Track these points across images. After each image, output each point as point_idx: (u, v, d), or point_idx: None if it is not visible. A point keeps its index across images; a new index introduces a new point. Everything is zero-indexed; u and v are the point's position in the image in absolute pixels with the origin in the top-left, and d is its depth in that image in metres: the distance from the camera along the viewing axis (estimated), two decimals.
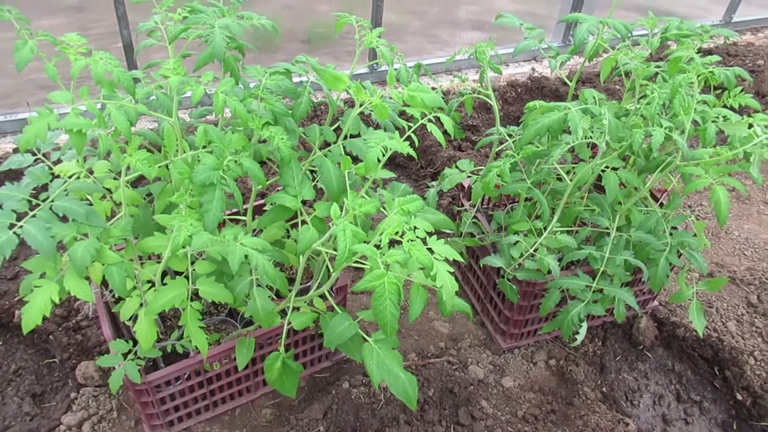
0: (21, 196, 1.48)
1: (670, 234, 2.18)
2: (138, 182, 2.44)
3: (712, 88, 2.16)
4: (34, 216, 1.45)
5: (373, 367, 1.67)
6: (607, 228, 2.15)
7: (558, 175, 2.24)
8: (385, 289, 1.40)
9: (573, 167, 2.17)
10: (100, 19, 3.50)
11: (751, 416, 2.45)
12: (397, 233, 1.46)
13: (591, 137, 1.95)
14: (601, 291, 2.10)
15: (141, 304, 1.71)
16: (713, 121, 1.96)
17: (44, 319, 1.49)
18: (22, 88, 3.48)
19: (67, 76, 1.52)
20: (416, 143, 1.71)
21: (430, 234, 1.58)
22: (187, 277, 1.69)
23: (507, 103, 3.93)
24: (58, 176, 1.63)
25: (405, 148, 1.66)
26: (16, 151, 3.09)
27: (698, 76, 1.92)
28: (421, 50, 4.25)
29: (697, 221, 2.28)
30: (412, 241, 1.45)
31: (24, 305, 1.44)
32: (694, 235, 2.24)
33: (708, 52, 4.67)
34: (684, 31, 2.07)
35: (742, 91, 2.10)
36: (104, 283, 2.00)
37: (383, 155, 1.64)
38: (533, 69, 4.34)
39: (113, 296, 2.04)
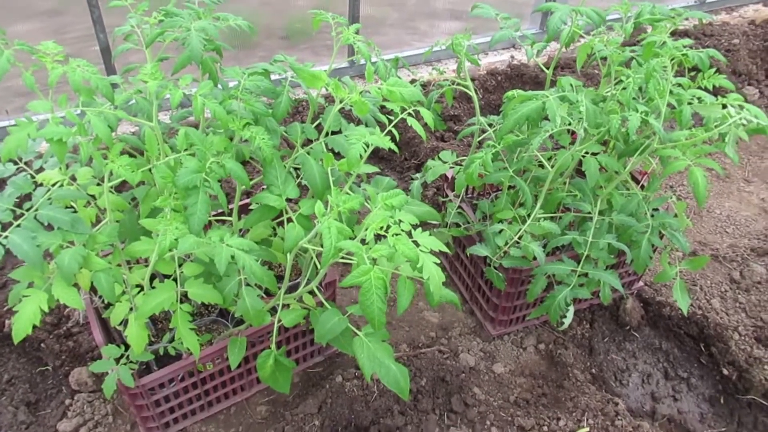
0: (5, 206, 1.49)
1: (652, 216, 2.22)
2: (122, 187, 2.44)
3: (687, 71, 2.19)
4: (18, 226, 1.46)
5: (365, 360, 1.69)
6: (589, 213, 2.18)
7: (539, 162, 2.27)
8: (372, 284, 1.42)
9: (554, 154, 2.20)
10: (75, 23, 3.47)
11: (738, 390, 2.50)
12: (382, 228, 1.48)
13: (570, 124, 1.98)
14: (586, 275, 2.14)
15: (131, 309, 1.72)
16: (689, 104, 1.99)
17: (34, 327, 1.50)
18: (0, 95, 3.45)
19: (45, 84, 1.52)
20: (397, 137, 1.73)
21: (415, 227, 1.60)
22: (175, 280, 1.70)
23: (488, 92, 3.95)
24: (41, 185, 1.63)
25: (386, 143, 1.67)
26: None
27: (672, 60, 1.95)
28: (400, 42, 4.25)
29: (678, 201, 2.32)
30: (397, 235, 1.47)
31: (13, 315, 1.45)
32: (676, 216, 2.28)
33: (684, 33, 4.71)
34: (657, 15, 2.10)
35: (716, 71, 2.13)
36: (93, 289, 2.01)
37: (365, 151, 1.66)
38: (512, 57, 4.36)
39: (103, 302, 2.05)
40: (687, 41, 2.01)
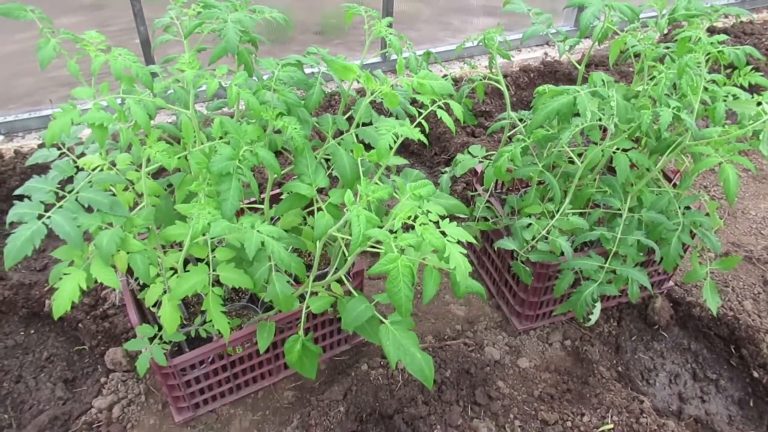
0: (48, 188, 1.55)
1: (683, 214, 2.20)
2: (159, 174, 2.51)
3: (722, 68, 2.17)
4: (61, 207, 1.52)
5: (390, 347, 1.72)
6: (618, 209, 2.17)
7: (569, 158, 2.27)
8: (399, 271, 1.45)
9: (584, 150, 2.20)
10: (117, 16, 3.57)
11: None
12: (409, 217, 1.51)
13: (600, 119, 1.97)
14: (614, 272, 2.13)
15: (164, 291, 1.78)
16: (723, 100, 1.97)
17: (73, 306, 1.56)
18: (44, 85, 3.57)
19: (87, 73, 1.58)
20: (427, 130, 1.75)
21: (443, 218, 1.62)
22: (208, 264, 1.75)
23: (520, 89, 3.94)
24: (82, 169, 1.70)
25: (416, 134, 1.70)
26: (41, 146, 3.18)
27: (706, 56, 1.93)
28: (433, 38, 4.27)
29: (710, 201, 2.29)
30: (424, 224, 1.49)
31: (54, 293, 1.52)
32: (707, 215, 2.25)
33: (722, 32, 4.62)
34: (692, 11, 2.08)
35: (753, 69, 2.11)
36: (129, 271, 2.09)
37: (395, 142, 1.68)
38: (546, 54, 4.34)
39: (138, 284, 2.12)
40: (722, 37, 1.99)
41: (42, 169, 2.77)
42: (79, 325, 2.45)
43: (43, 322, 2.54)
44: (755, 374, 2.50)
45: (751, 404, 2.48)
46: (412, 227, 1.50)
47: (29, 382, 2.34)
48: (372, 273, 1.49)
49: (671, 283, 2.82)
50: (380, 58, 4.06)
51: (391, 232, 1.52)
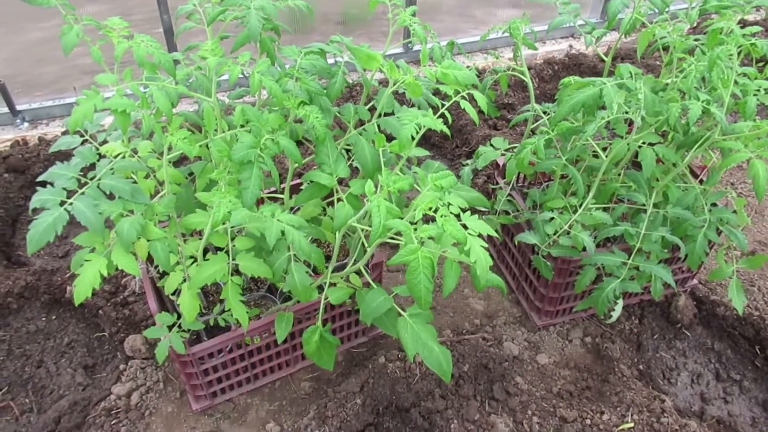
0: (71, 175, 1.56)
1: (709, 210, 2.15)
2: (180, 162, 2.51)
3: (754, 61, 2.11)
4: (83, 194, 1.52)
5: (408, 340, 1.71)
6: (643, 204, 2.13)
7: (594, 152, 2.23)
8: (419, 263, 1.43)
9: (609, 143, 2.15)
10: (141, 5, 3.59)
11: None
12: (430, 209, 1.49)
13: (627, 112, 1.93)
14: (637, 268, 2.09)
15: (184, 279, 1.78)
16: (754, 94, 1.92)
17: (94, 292, 1.57)
18: (68, 73, 3.60)
19: (110, 61, 1.58)
20: (450, 121, 1.73)
21: (464, 210, 1.60)
22: (227, 253, 1.75)
23: (543, 81, 3.88)
24: (104, 156, 1.70)
25: (438, 125, 1.67)
26: (65, 133, 3.21)
27: (738, 48, 1.87)
28: (455, 30, 4.23)
29: (738, 198, 2.24)
30: (445, 216, 1.47)
31: (75, 279, 1.52)
32: (734, 212, 2.20)
33: (755, 24, 4.52)
34: (725, 2, 2.02)
35: None
36: (150, 259, 2.09)
37: (417, 132, 1.66)
38: (570, 46, 4.28)
39: (158, 272, 2.13)
40: (756, 29, 1.94)
41: (65, 156, 2.79)
42: (100, 311, 2.47)
43: (65, 308, 2.56)
44: None
45: None
46: (433, 219, 1.48)
47: (50, 367, 2.36)
48: (392, 264, 1.48)
49: (695, 281, 2.77)
50: (402, 49, 4.03)
51: (411, 223, 1.51)
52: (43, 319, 2.52)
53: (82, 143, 1.78)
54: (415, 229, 1.48)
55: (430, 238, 1.50)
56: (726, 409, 2.42)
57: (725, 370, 2.55)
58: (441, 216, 1.48)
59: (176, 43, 3.35)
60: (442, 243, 1.59)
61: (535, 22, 4.34)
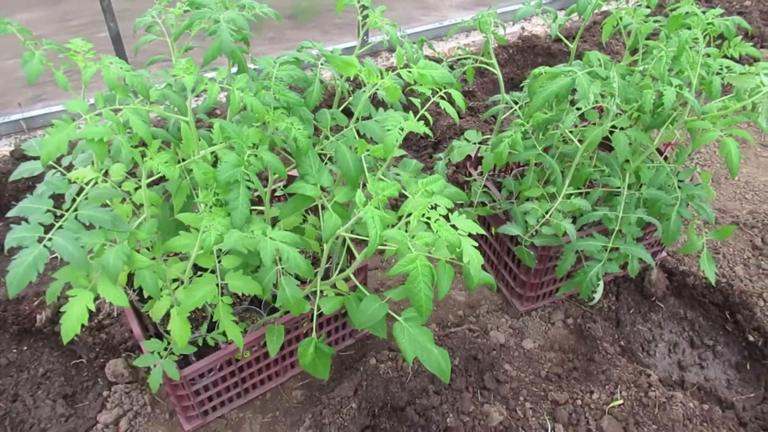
0: (45, 208, 1.48)
1: (679, 188, 2.22)
2: (152, 182, 2.43)
3: (711, 39, 2.17)
4: (61, 227, 1.45)
5: (406, 344, 1.71)
6: (618, 187, 2.18)
7: (564, 137, 2.26)
8: (419, 272, 1.43)
9: (581, 130, 2.19)
10: (79, 10, 3.42)
11: (764, 356, 2.52)
12: (423, 215, 1.48)
13: (598, 102, 1.96)
14: (616, 249, 2.14)
15: (172, 304, 1.73)
16: (718, 74, 1.97)
17: (82, 327, 1.51)
18: (10, 86, 3.42)
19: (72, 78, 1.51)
20: (431, 122, 1.72)
21: (451, 210, 1.60)
22: (214, 272, 1.70)
23: (500, 65, 3.90)
24: (73, 182, 1.62)
25: (421, 128, 1.66)
26: (12, 154, 3.05)
27: (704, 33, 1.92)
28: (409, 17, 4.19)
29: (702, 172, 2.31)
30: (438, 221, 1.47)
31: (45, 309, 1.45)
32: (701, 186, 2.27)
33: None
34: None
35: (741, 39, 2.11)
36: (128, 282, 2.02)
37: (400, 136, 1.65)
38: (523, 28, 4.31)
39: (138, 295, 2.06)
40: (717, 11, 1.99)
41: (25, 182, 2.66)
42: (75, 338, 2.37)
43: (36, 337, 2.45)
44: (750, 338, 2.56)
45: (748, 367, 2.55)
46: (425, 223, 1.47)
47: (26, 400, 2.26)
48: (391, 275, 1.47)
49: (664, 254, 2.86)
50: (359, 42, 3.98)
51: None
52: (14, 350, 2.41)
53: (47, 169, 1.70)
54: (412, 237, 1.47)
55: (426, 244, 1.49)
56: (702, 374, 2.52)
57: (699, 337, 2.65)
58: (435, 221, 1.47)
59: (129, 52, 3.23)
60: (436, 247, 1.59)
61: (482, 5, 4.35)
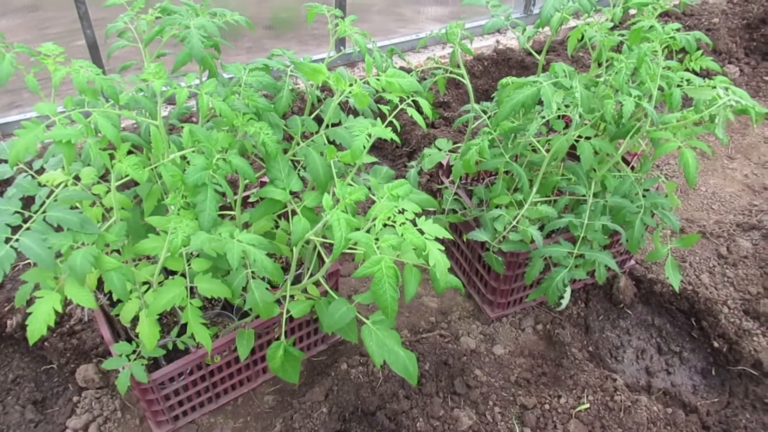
0: (12, 210, 1.49)
1: (643, 196, 2.28)
2: (123, 186, 2.44)
3: (674, 53, 2.24)
4: (28, 229, 1.46)
5: (374, 347, 1.73)
6: (584, 195, 2.23)
7: (533, 146, 2.31)
8: (384, 273, 1.46)
9: (548, 139, 2.24)
10: (57, 18, 3.43)
11: (728, 362, 2.58)
12: (389, 218, 1.51)
13: (561, 109, 2.01)
14: (582, 256, 2.19)
15: (141, 307, 1.74)
16: (678, 86, 2.04)
17: (49, 328, 1.51)
18: None
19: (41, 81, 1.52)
20: (398, 128, 1.76)
21: (418, 215, 1.63)
22: (183, 275, 1.71)
23: (475, 77, 3.97)
24: (43, 185, 1.63)
25: (388, 134, 1.70)
26: None
27: (664, 46, 1.99)
28: (385, 29, 4.25)
29: (667, 182, 2.38)
30: (404, 224, 1.50)
31: (14, 315, 1.46)
32: (666, 196, 2.34)
33: (665, 14, 4.77)
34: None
35: (702, 53, 2.19)
36: (98, 286, 2.03)
37: (368, 142, 1.68)
38: (497, 41, 4.39)
39: (108, 299, 2.06)
40: (676, 25, 2.06)
41: None
42: (45, 343, 2.37)
43: (6, 343, 2.44)
44: (715, 344, 2.62)
45: (713, 373, 2.60)
46: (391, 226, 1.50)
47: None
48: (357, 276, 1.49)
49: (632, 262, 2.92)
50: (335, 52, 4.03)
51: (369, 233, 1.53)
52: None
53: (17, 172, 1.71)
54: (377, 239, 1.50)
55: (391, 246, 1.53)
56: (669, 380, 2.57)
57: (666, 344, 2.70)
58: (400, 224, 1.50)
59: (105, 59, 3.23)
60: (403, 250, 1.62)
61: (462, 18, 4.43)
